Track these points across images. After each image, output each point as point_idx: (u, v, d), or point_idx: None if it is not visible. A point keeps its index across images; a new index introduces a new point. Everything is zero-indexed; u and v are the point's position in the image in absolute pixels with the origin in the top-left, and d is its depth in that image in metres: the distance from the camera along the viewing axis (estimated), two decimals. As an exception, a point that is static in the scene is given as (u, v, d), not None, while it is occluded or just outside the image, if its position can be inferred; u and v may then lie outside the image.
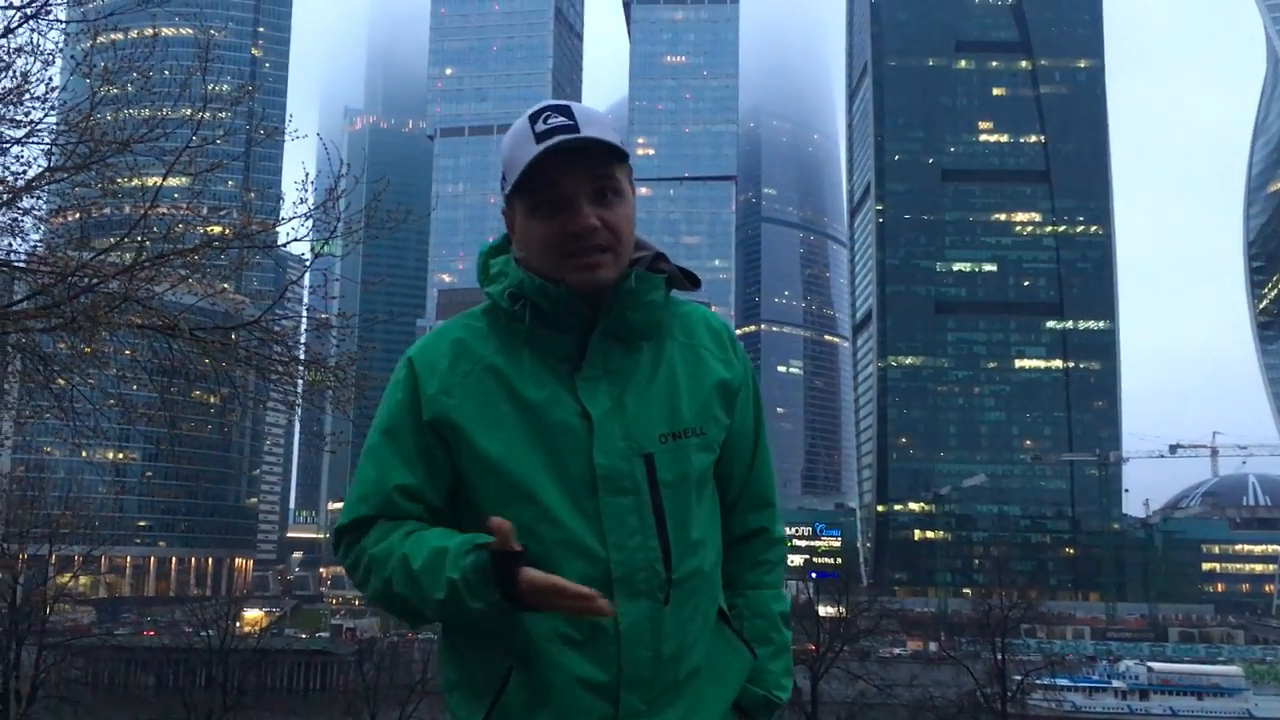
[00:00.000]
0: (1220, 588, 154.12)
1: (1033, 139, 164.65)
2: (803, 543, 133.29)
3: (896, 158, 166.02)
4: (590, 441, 1.98)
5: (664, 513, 2.00)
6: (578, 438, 1.98)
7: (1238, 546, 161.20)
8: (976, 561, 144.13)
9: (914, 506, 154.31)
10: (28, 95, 8.28)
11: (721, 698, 2.11)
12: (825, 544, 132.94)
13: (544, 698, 1.97)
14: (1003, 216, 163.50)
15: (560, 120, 1.96)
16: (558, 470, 1.98)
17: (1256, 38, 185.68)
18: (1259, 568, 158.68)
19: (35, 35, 8.34)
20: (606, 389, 2.01)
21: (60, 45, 8.75)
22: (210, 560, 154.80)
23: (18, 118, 8.32)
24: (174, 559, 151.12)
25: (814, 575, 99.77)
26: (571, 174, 1.96)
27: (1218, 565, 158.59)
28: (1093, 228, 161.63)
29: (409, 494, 2.02)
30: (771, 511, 2.28)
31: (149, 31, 9.41)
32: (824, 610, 46.15)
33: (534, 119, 1.99)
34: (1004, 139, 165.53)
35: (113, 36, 9.32)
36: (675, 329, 2.13)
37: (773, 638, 2.24)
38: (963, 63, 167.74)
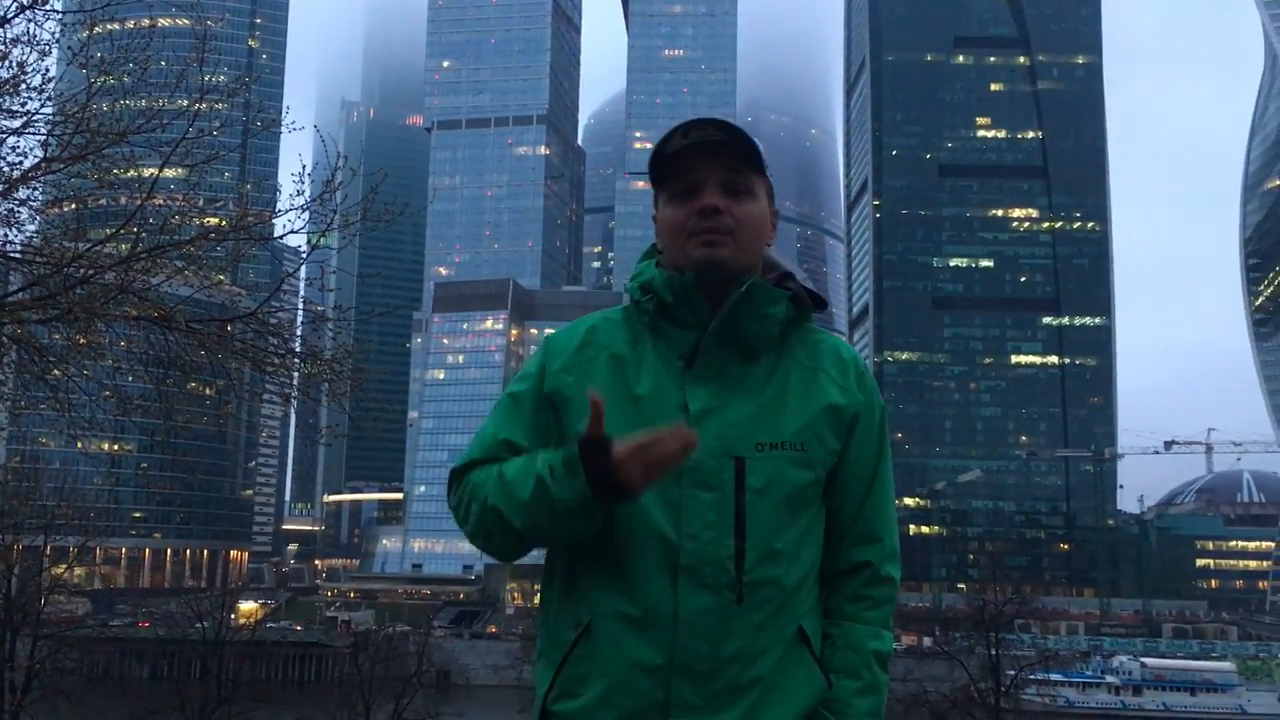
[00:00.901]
0: (1214, 584, 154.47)
1: (1030, 135, 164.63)
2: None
3: (894, 153, 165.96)
4: None
5: (744, 515, 2.07)
6: None
7: (1232, 543, 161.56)
8: (971, 557, 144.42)
9: (909, 501, 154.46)
10: (24, 86, 8.26)
11: (784, 713, 2.12)
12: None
13: (601, 671, 2.08)
14: (1000, 212, 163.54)
15: (708, 127, 2.15)
16: None
17: (1254, 35, 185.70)
18: (1253, 564, 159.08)
19: (31, 25, 8.31)
20: (714, 390, 2.12)
21: (57, 36, 8.71)
22: (205, 552, 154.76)
23: (14, 108, 8.29)
24: (169, 551, 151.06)
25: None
26: (704, 164, 2.14)
27: (1212, 561, 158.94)
28: (1089, 224, 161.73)
29: (516, 450, 2.17)
30: (880, 548, 2.29)
31: (146, 22, 9.39)
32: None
33: (685, 125, 2.17)
34: (1001, 135, 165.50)
35: (109, 27, 9.28)
36: (801, 351, 2.22)
37: (862, 674, 2.22)
38: (961, 58, 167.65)
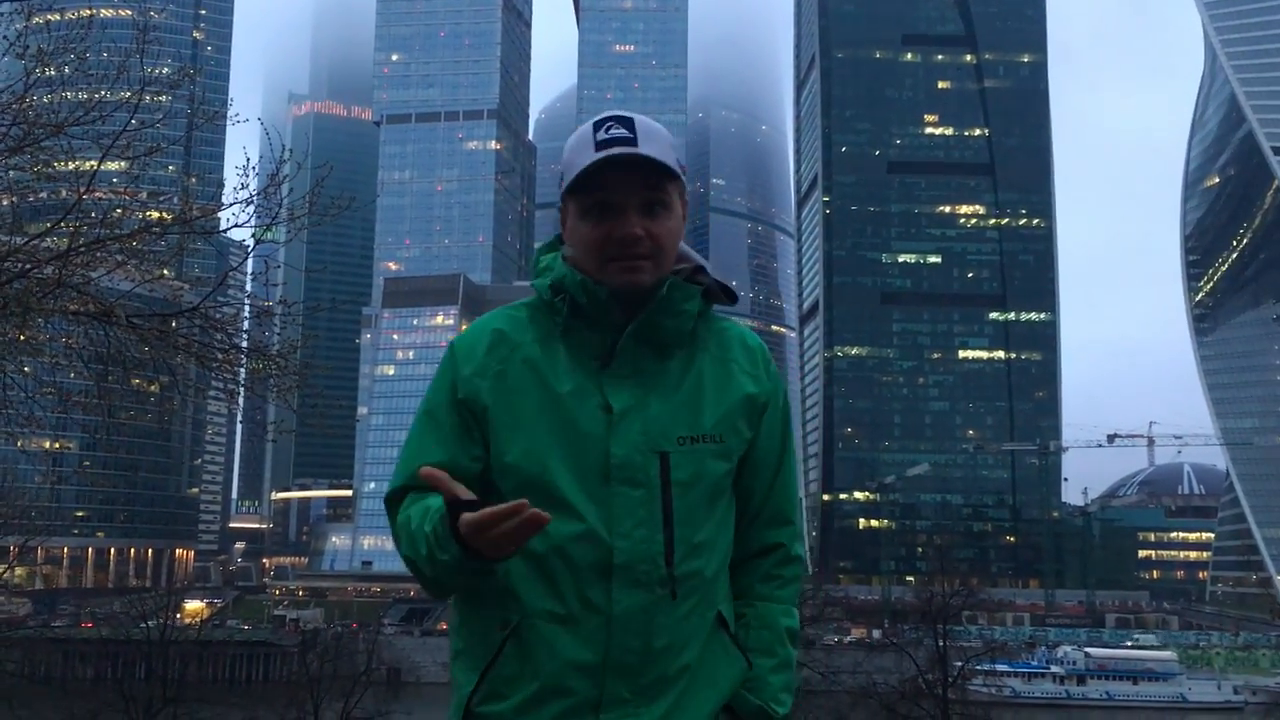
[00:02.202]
0: (1156, 575, 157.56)
1: (977, 132, 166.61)
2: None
3: (844, 149, 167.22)
4: (609, 433, 2.09)
5: (672, 511, 2.10)
6: (598, 429, 2.10)
7: (1173, 534, 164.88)
8: (920, 550, 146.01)
9: (859, 495, 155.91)
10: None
11: (710, 698, 2.16)
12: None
13: (532, 671, 2.08)
14: (947, 209, 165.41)
15: (621, 132, 2.08)
16: (574, 458, 2.09)
17: (1194, 35, 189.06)
18: (1193, 555, 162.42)
19: (-35, 15, 8.12)
20: (632, 388, 2.13)
21: (-8, 26, 8.53)
22: (150, 551, 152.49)
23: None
24: (113, 550, 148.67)
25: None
26: (624, 184, 2.09)
27: (1153, 553, 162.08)
28: (1035, 221, 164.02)
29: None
30: (790, 530, 2.35)
31: (86, 13, 9.21)
32: (769, 598, 46.53)
33: (597, 127, 2.11)
34: (949, 132, 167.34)
35: (49, 18, 9.11)
36: (710, 342, 2.24)
37: (776, 651, 2.28)
38: (909, 55, 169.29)
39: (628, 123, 2.10)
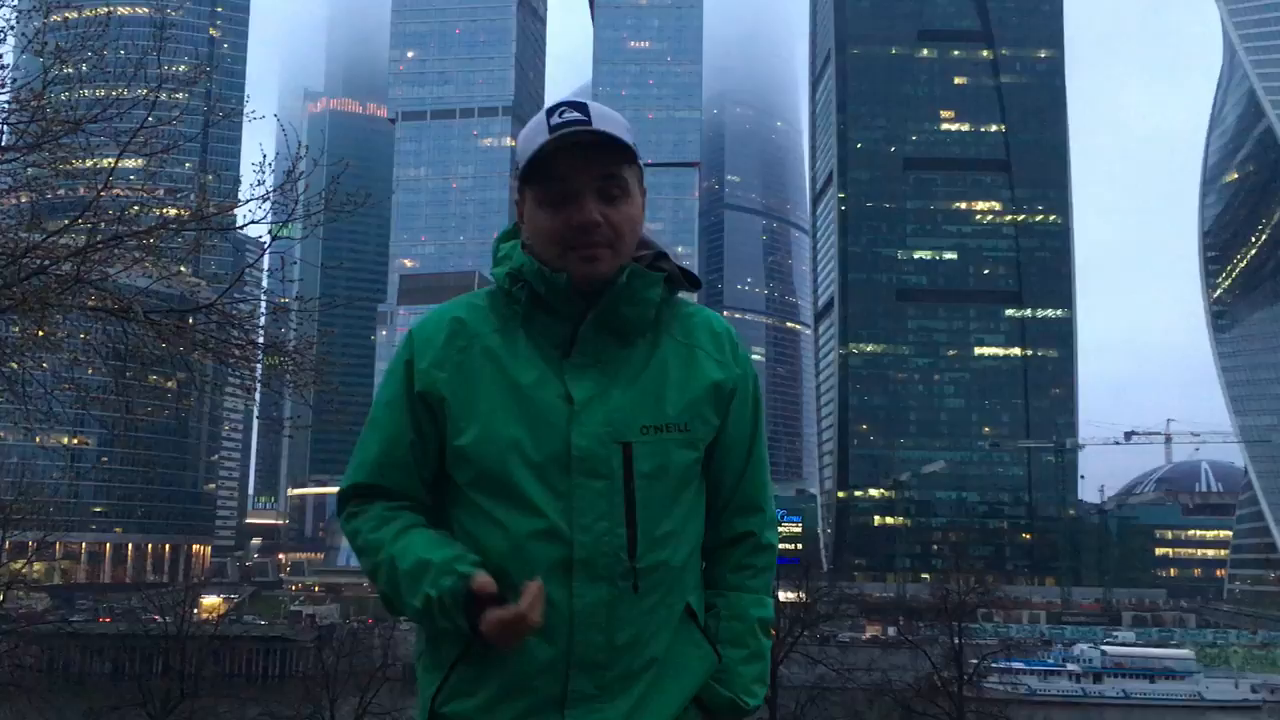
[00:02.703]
0: (1173, 572, 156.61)
1: (993, 128, 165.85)
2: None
3: (859, 145, 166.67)
4: (570, 424, 2.04)
5: (635, 502, 2.05)
6: (559, 419, 2.04)
7: (1190, 532, 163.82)
8: (935, 547, 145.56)
9: (874, 493, 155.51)
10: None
11: (677, 691, 2.13)
12: (786, 530, 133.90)
13: (495, 670, 2.04)
14: (963, 205, 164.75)
15: (574, 115, 2.03)
16: (534, 449, 2.04)
17: (1213, 30, 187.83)
18: (1210, 553, 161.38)
19: (-15, 12, 8.17)
20: (594, 377, 2.08)
21: (12, 23, 8.57)
22: (167, 547, 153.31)
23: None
24: (130, 545, 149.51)
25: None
26: (579, 168, 2.04)
27: (1170, 550, 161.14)
28: (1051, 217, 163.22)
29: (398, 465, 2.15)
30: (761, 518, 2.29)
31: (104, 10, 9.25)
32: (784, 595, 46.42)
33: (550, 112, 2.07)
34: (965, 128, 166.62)
35: (66, 15, 9.15)
36: (675, 328, 2.18)
37: (748, 642, 2.24)
38: (925, 51, 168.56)
39: (581, 107, 2.06)
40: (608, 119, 2.05)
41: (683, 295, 2.25)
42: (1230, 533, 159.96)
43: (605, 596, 2.02)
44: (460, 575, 1.94)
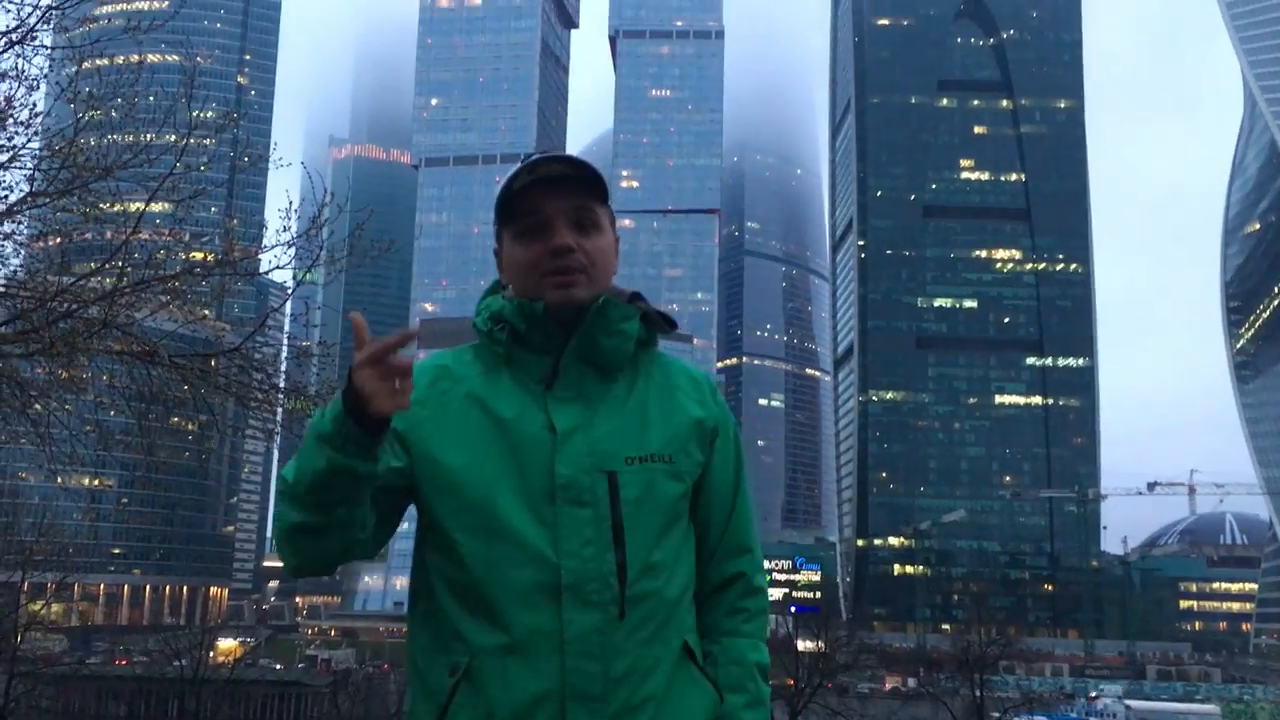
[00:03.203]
0: (1198, 626, 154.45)
1: (1013, 177, 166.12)
2: (783, 576, 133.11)
3: (879, 193, 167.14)
4: (554, 453, 2.04)
5: (623, 529, 2.03)
6: (543, 450, 2.05)
7: (1215, 585, 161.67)
8: (956, 597, 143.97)
9: (894, 541, 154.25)
10: (11, 120, 8.27)
11: None
12: (805, 578, 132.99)
13: (487, 711, 1.99)
14: (983, 253, 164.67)
15: (548, 159, 2.13)
16: (519, 481, 2.04)
17: (1233, 81, 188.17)
18: (1236, 606, 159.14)
19: (20, 60, 8.33)
20: (578, 408, 2.09)
21: (45, 71, 8.74)
22: (185, 589, 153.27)
23: (0, 142, 8.30)
24: (148, 587, 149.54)
25: (794, 609, 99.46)
26: (552, 201, 2.11)
27: (1195, 603, 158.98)
28: (1072, 266, 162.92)
29: None
30: (750, 559, 2.29)
31: (135, 58, 9.42)
32: (803, 645, 45.98)
33: (530, 163, 2.13)
34: (985, 176, 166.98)
35: (98, 62, 9.32)
36: (654, 369, 2.21)
37: (749, 687, 2.20)
38: (944, 101, 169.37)
39: (555, 155, 2.13)
40: (582, 162, 2.12)
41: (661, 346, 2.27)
42: (1256, 585, 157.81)
43: (597, 623, 1.99)
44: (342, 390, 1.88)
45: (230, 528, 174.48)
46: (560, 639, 1.97)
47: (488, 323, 2.16)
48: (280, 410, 9.82)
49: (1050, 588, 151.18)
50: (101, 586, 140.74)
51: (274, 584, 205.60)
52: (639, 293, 2.21)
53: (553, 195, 2.11)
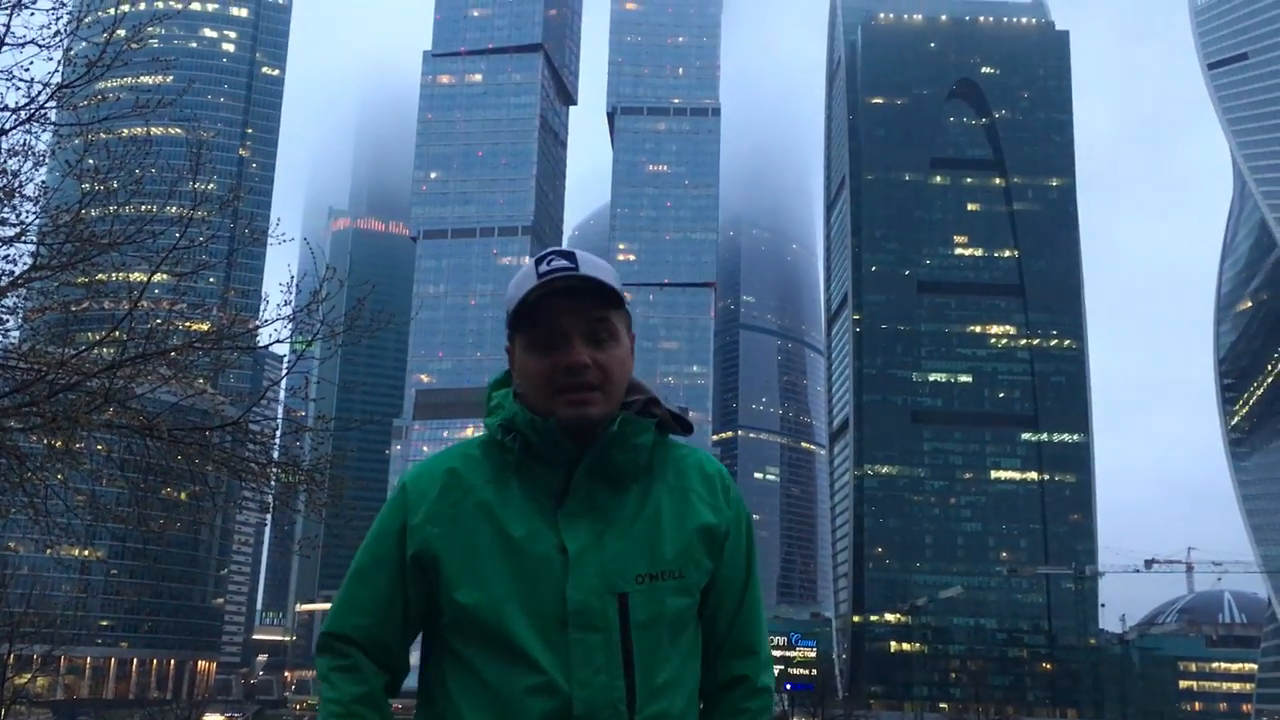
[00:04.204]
0: (1197, 706, 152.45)
1: (1006, 253, 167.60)
2: (778, 653, 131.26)
3: (873, 269, 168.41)
4: (565, 576, 2.04)
5: (633, 654, 2.04)
6: (554, 572, 2.04)
7: (1215, 664, 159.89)
8: (953, 675, 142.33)
9: (890, 617, 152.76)
10: (18, 195, 8.36)
11: None
12: (801, 654, 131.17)
13: None
14: (978, 329, 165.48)
15: (562, 263, 2.08)
16: (531, 604, 2.04)
17: (1223, 162, 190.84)
18: (1236, 686, 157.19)
19: (28, 137, 8.45)
20: (588, 525, 2.08)
21: (52, 147, 8.86)
22: (172, 662, 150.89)
23: (6, 217, 8.38)
24: (135, 660, 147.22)
25: (789, 686, 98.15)
26: (567, 313, 2.07)
27: (1195, 683, 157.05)
28: (1066, 342, 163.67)
29: (363, 631, 2.17)
30: (756, 661, 2.28)
31: (140, 131, 9.55)
32: (799, 724, 45.39)
33: (539, 261, 2.11)
34: (978, 253, 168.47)
35: (103, 135, 9.46)
36: (668, 471, 2.19)
37: None
38: (938, 178, 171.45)
39: (569, 255, 2.10)
40: (595, 266, 2.09)
41: (674, 438, 2.26)
42: (1256, 665, 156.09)
43: None
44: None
45: (220, 600, 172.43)
46: None
47: (499, 431, 2.14)
48: (274, 483, 9.80)
49: (1049, 666, 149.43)
50: (88, 659, 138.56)
51: (263, 658, 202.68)
52: (656, 399, 2.20)
53: (567, 308, 2.07)
